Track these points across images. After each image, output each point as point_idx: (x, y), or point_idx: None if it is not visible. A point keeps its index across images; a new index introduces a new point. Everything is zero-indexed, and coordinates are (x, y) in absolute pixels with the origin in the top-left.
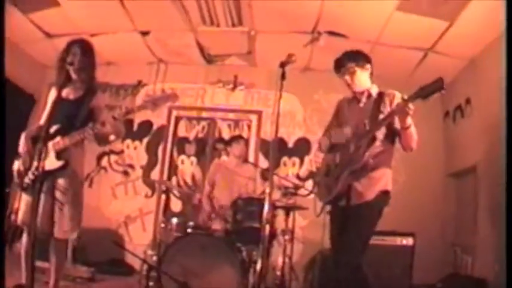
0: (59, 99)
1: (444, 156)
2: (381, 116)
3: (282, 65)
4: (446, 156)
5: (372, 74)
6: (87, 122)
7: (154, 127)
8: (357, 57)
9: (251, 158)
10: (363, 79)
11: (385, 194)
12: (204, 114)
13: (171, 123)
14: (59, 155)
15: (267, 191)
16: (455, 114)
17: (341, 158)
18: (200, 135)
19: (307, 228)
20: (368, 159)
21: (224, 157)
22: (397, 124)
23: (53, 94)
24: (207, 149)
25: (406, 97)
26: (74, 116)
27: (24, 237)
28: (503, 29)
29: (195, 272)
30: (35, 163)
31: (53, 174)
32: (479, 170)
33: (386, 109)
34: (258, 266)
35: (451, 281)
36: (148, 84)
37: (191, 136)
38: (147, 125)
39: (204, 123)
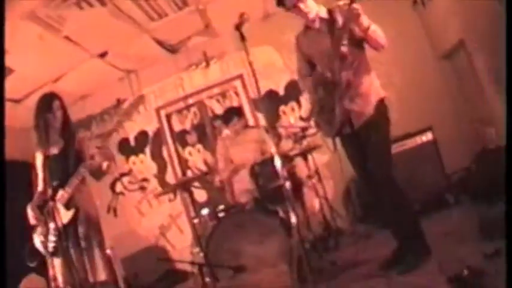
0: (47, 159)
1: (428, 43)
2: (342, 34)
3: (237, 27)
4: (431, 41)
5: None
6: (79, 165)
7: (150, 134)
8: None
9: (250, 121)
10: (311, 4)
11: (382, 102)
12: (190, 101)
13: (163, 123)
14: (67, 206)
15: (271, 146)
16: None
17: (325, 90)
18: (195, 121)
19: (330, 163)
20: (348, 77)
21: (226, 131)
22: (357, 30)
23: (39, 157)
24: (207, 131)
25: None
26: (66, 167)
27: None
28: None
29: (244, 251)
30: (51, 225)
31: (71, 227)
32: (468, 43)
33: (339, 25)
34: (292, 221)
35: (481, 158)
36: (127, 99)
37: (187, 126)
38: (142, 135)
39: (193, 109)
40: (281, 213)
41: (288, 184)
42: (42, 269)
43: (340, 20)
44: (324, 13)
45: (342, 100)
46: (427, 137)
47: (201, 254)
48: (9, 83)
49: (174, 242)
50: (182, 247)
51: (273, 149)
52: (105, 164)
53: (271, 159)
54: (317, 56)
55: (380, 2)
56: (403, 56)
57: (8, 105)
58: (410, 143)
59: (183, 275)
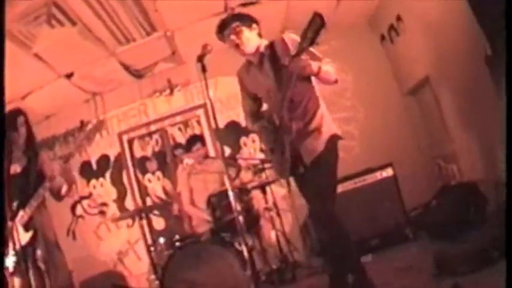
0: (9, 177)
1: (394, 79)
2: (284, 72)
3: (199, 59)
4: (397, 77)
5: (260, 34)
6: (39, 185)
7: (112, 158)
8: (242, 18)
9: (211, 151)
10: (252, 38)
11: (333, 137)
12: (153, 128)
13: (125, 148)
14: (26, 227)
15: (225, 178)
16: (390, 35)
17: (273, 133)
18: (156, 148)
19: (287, 196)
20: (298, 126)
21: (187, 160)
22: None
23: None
24: (167, 159)
25: (293, 53)
26: (26, 186)
27: None
28: None
29: (199, 281)
30: (11, 245)
31: (30, 248)
32: (433, 79)
33: (284, 58)
34: (245, 254)
35: (443, 193)
36: (91, 121)
37: (149, 153)
38: (104, 159)
39: (156, 136)
40: (237, 245)
41: (241, 218)
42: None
43: (284, 55)
44: (264, 47)
45: (291, 144)
46: (388, 172)
47: (157, 282)
48: None
49: (132, 268)
50: (139, 273)
51: (227, 182)
52: (64, 187)
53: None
54: (262, 95)
55: (348, 36)
56: (368, 91)
57: None
58: (371, 178)
59: None
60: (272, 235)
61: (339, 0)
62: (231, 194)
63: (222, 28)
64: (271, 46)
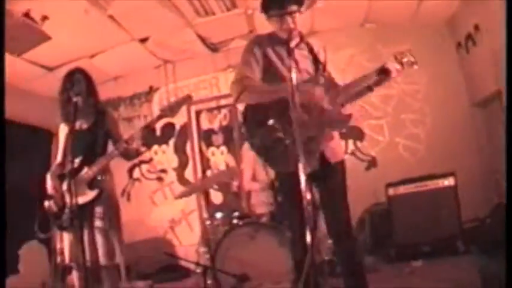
0: (73, 132)
1: (465, 88)
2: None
3: (286, 42)
4: (468, 87)
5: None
6: (106, 145)
7: (177, 127)
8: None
9: None
10: (299, 23)
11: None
12: (223, 102)
13: (192, 119)
14: (91, 185)
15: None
16: (467, 44)
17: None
18: (224, 123)
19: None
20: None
21: None
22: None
23: (63, 129)
24: (234, 134)
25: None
26: (93, 144)
27: (75, 275)
28: None
29: (250, 262)
30: (69, 200)
31: (90, 205)
32: (504, 95)
33: (322, 58)
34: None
35: (496, 211)
36: (160, 87)
37: (215, 126)
38: (169, 127)
39: (224, 110)
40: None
41: (309, 203)
42: (46, 238)
43: (320, 53)
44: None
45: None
46: (449, 181)
47: (207, 256)
48: (43, 49)
49: (182, 237)
50: (189, 244)
51: (300, 168)
52: (143, 149)
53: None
54: (280, 72)
55: (426, 38)
56: (439, 96)
57: (39, 72)
58: (432, 184)
59: (184, 271)
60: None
61: (421, 0)
62: (303, 180)
63: (274, 7)
64: (308, 43)
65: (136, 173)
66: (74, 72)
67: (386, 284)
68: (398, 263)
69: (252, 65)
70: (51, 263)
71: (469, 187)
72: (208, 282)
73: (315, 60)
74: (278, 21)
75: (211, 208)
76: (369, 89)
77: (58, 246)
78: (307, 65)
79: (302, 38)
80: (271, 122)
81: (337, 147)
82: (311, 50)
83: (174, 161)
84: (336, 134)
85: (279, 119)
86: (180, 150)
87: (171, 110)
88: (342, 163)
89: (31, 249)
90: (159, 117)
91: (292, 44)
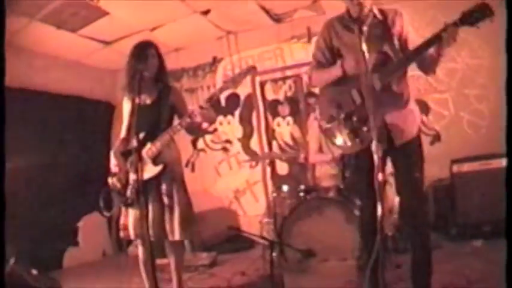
0: (136, 107)
1: None
2: (396, 39)
3: (358, 21)
4: None
5: None
6: (171, 120)
7: (242, 97)
8: None
9: None
10: None
11: (419, 129)
12: (288, 73)
13: (256, 89)
14: (155, 161)
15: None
16: None
17: (365, 95)
18: (289, 93)
19: None
20: (403, 90)
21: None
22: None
23: (127, 103)
24: (300, 106)
25: (450, 22)
26: (157, 119)
27: (140, 250)
28: None
29: (316, 237)
30: (133, 176)
31: (155, 181)
32: None
33: (396, 29)
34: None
35: None
36: (224, 58)
37: (281, 97)
38: (234, 97)
39: (289, 81)
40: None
41: (380, 177)
42: (109, 206)
43: (396, 26)
44: (377, 11)
45: (379, 115)
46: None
47: (272, 227)
48: (102, 24)
49: (247, 208)
50: (253, 215)
51: (374, 147)
52: (205, 124)
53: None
54: (349, 54)
55: None
56: (502, 72)
57: (96, 46)
58: (496, 163)
59: (249, 242)
60: (395, 201)
61: None
62: (375, 156)
63: None
64: (382, 12)
65: (200, 144)
66: (147, 46)
67: (446, 264)
68: (460, 241)
69: (322, 49)
70: (111, 235)
71: None
72: (274, 254)
73: (388, 35)
74: None
75: (277, 179)
76: (439, 54)
77: (122, 221)
78: (379, 43)
79: (375, 15)
80: (333, 110)
81: (407, 126)
82: (384, 24)
83: (239, 131)
84: (407, 111)
85: (340, 106)
86: (245, 120)
87: (233, 81)
88: (411, 142)
89: (91, 221)
90: (222, 89)
91: (365, 24)
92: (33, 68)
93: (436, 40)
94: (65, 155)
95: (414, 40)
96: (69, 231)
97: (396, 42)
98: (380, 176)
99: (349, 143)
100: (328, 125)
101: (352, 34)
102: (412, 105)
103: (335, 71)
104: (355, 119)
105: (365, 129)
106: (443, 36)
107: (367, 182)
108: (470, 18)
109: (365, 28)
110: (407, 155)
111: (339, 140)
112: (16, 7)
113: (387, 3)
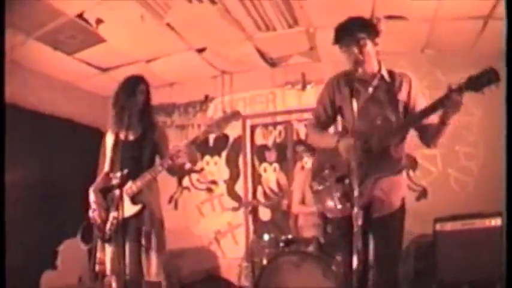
0: (119, 143)
1: None
2: (401, 105)
3: (365, 82)
4: None
5: (378, 52)
6: (153, 159)
7: (231, 139)
8: (368, 28)
9: None
10: (373, 56)
11: (403, 201)
12: (279, 119)
13: (246, 132)
14: (134, 200)
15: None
16: None
17: (359, 159)
18: (278, 140)
19: None
20: (399, 156)
21: (306, 159)
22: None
23: (110, 137)
24: (287, 153)
25: (454, 87)
26: (139, 157)
27: (114, 286)
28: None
29: None
30: (113, 213)
31: (134, 220)
32: None
33: (402, 94)
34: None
35: None
36: (216, 97)
37: (269, 142)
38: (223, 138)
39: (280, 127)
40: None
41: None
42: (88, 238)
43: (403, 92)
44: (386, 74)
45: (376, 181)
46: (496, 222)
47: (249, 272)
48: (98, 50)
49: (226, 250)
50: (232, 257)
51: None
52: (188, 165)
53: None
54: (349, 115)
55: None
56: (494, 131)
57: (91, 71)
58: (479, 223)
59: (225, 283)
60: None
61: (486, 22)
62: (355, 225)
63: (342, 35)
64: (391, 74)
65: (185, 182)
66: (137, 82)
67: None
68: None
69: (324, 104)
70: (90, 263)
71: None
72: None
73: (394, 100)
74: (346, 51)
75: (259, 224)
76: (443, 123)
77: (99, 255)
78: (383, 107)
79: (383, 77)
80: (326, 172)
81: (390, 198)
82: (390, 88)
83: (225, 173)
84: (396, 180)
85: (333, 168)
86: (232, 163)
87: (218, 126)
88: (391, 215)
89: (71, 246)
90: (205, 133)
91: (371, 86)
92: (26, 86)
93: (439, 105)
94: (50, 176)
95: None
96: (49, 253)
97: (401, 109)
98: (359, 243)
99: (339, 206)
100: (320, 187)
101: (357, 97)
102: (404, 174)
103: (330, 142)
104: (347, 181)
105: (356, 193)
106: (447, 103)
107: (348, 241)
108: (476, 83)
109: (370, 90)
110: (385, 227)
111: (329, 202)
112: (15, 22)
113: (385, 58)
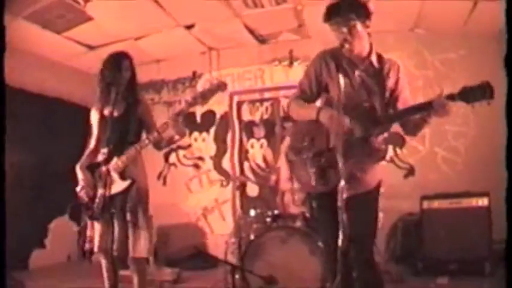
0: (104, 119)
1: None
2: (387, 93)
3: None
4: None
5: (369, 34)
6: (140, 135)
7: (218, 116)
8: (358, 8)
9: None
10: (364, 38)
11: (379, 184)
12: (266, 95)
13: (233, 108)
14: (122, 176)
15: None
16: None
17: (337, 141)
18: (265, 116)
19: (384, 196)
20: (380, 146)
21: None
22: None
23: (95, 114)
24: (275, 129)
25: (447, 94)
26: (125, 133)
27: (103, 262)
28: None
29: (279, 265)
30: (100, 191)
31: (121, 196)
32: None
33: (390, 82)
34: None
35: None
36: (204, 74)
37: (257, 118)
38: (210, 115)
39: (267, 104)
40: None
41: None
42: (77, 217)
43: (391, 78)
44: (375, 59)
45: (356, 163)
46: (483, 202)
47: (236, 248)
48: (86, 29)
49: (214, 226)
50: (220, 234)
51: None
52: (176, 137)
53: None
54: (335, 93)
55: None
56: (484, 111)
57: (79, 49)
58: (466, 202)
59: (213, 260)
60: None
61: (476, 3)
62: (340, 199)
63: (332, 15)
64: (379, 59)
65: (172, 158)
66: (122, 58)
67: None
68: (425, 276)
69: (310, 78)
70: (78, 241)
71: (503, 210)
72: (236, 276)
73: (381, 87)
74: (336, 29)
75: (246, 200)
76: (424, 121)
77: (88, 233)
78: (369, 93)
79: (371, 63)
80: (304, 144)
81: (365, 177)
82: (378, 74)
83: (212, 149)
84: (373, 166)
85: (312, 141)
86: (219, 139)
87: (203, 97)
88: (367, 193)
89: (61, 224)
90: (190, 105)
91: (359, 69)
92: (15, 65)
93: (427, 108)
94: (40, 155)
95: (406, 99)
96: (39, 232)
97: (387, 95)
98: (345, 217)
99: (312, 182)
100: (294, 158)
101: (344, 75)
102: (384, 162)
103: (311, 113)
104: (323, 159)
105: (332, 172)
106: (435, 107)
107: (331, 218)
108: (469, 95)
109: (357, 73)
110: (359, 204)
111: (304, 176)
112: (4, 2)
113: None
